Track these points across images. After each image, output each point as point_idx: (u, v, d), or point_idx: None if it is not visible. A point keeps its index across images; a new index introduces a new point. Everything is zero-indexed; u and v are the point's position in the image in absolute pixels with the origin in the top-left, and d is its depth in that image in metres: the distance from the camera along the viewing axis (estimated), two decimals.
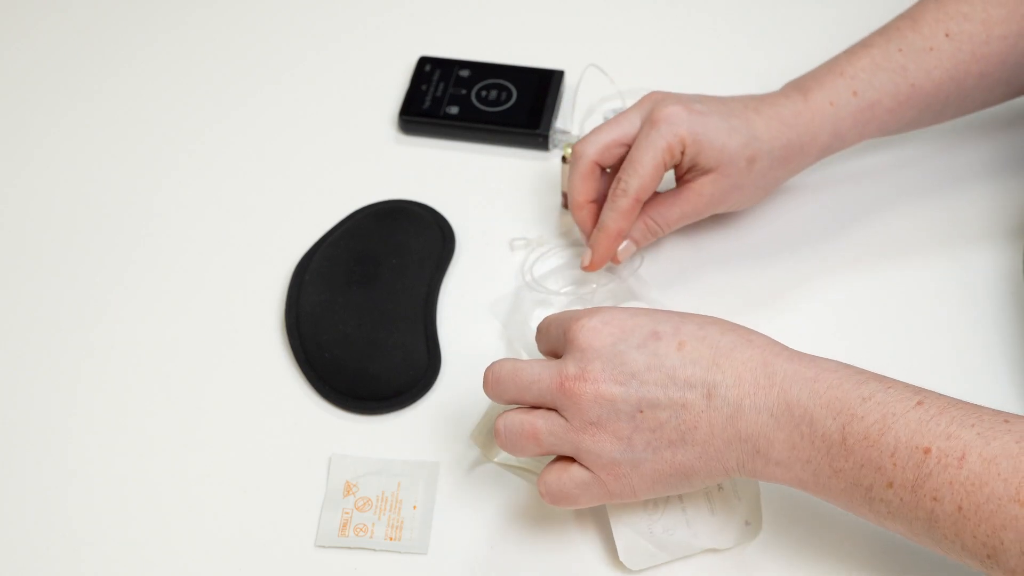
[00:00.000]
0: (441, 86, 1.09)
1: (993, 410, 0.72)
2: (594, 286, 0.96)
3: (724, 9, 1.16)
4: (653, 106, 0.92)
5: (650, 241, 0.95)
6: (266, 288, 0.98)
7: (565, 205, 1.02)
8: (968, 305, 0.94)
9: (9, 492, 0.89)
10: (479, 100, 1.08)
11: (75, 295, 0.99)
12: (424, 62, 1.11)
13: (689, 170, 0.92)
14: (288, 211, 1.04)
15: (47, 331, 0.97)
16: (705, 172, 0.91)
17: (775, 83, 0.97)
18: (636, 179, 0.91)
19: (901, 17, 0.95)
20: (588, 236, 0.95)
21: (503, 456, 0.87)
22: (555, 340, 0.80)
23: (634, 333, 0.76)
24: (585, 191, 0.94)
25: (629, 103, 1.08)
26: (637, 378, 0.75)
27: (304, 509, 0.87)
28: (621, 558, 0.81)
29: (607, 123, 0.94)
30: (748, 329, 0.77)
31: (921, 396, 0.72)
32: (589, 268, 0.94)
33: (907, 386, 0.73)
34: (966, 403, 0.72)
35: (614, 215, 0.92)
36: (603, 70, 1.09)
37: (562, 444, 0.77)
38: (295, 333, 0.94)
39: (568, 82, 1.10)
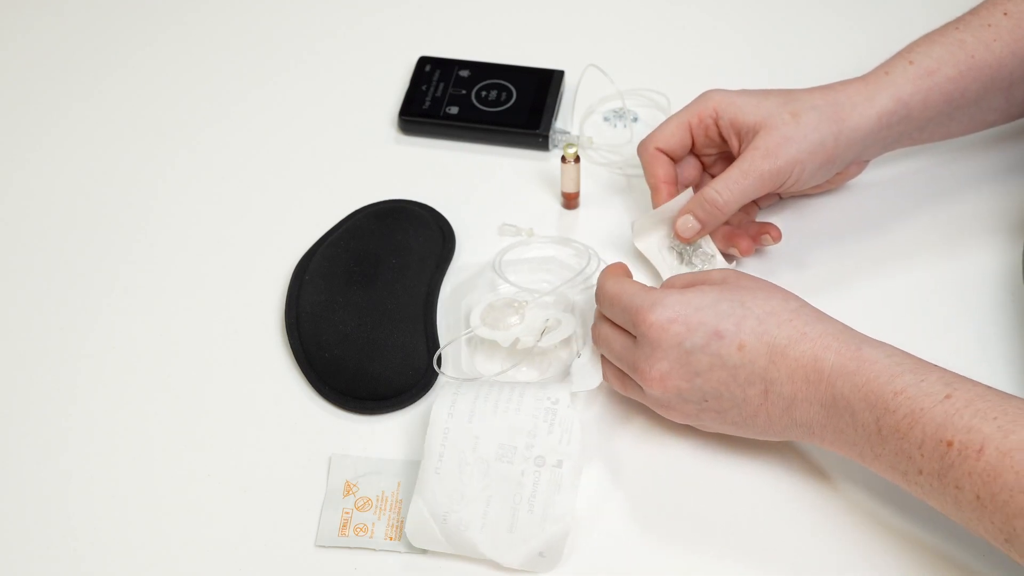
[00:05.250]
0: (441, 86, 1.09)
1: (1022, 400, 0.76)
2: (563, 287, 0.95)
3: (724, 9, 1.16)
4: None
5: (715, 217, 0.93)
6: (266, 288, 0.98)
7: (565, 205, 1.02)
8: (967, 304, 0.94)
9: (9, 492, 0.88)
10: (479, 100, 1.08)
11: (75, 295, 0.99)
12: (424, 62, 1.11)
13: (739, 142, 0.93)
14: (288, 211, 1.04)
15: (47, 331, 0.97)
16: (753, 133, 0.92)
17: (775, 83, 0.97)
18: (657, 131, 0.95)
19: None
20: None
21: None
22: (619, 318, 0.85)
23: (698, 332, 0.82)
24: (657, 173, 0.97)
25: (629, 103, 1.09)
26: (701, 376, 0.82)
27: (304, 509, 0.87)
28: (406, 530, 0.83)
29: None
30: (805, 315, 0.82)
31: (951, 388, 0.76)
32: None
33: (942, 376, 0.77)
34: (998, 394, 0.76)
35: (644, 169, 0.96)
36: (603, 70, 1.09)
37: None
38: (295, 333, 0.94)
39: (568, 82, 1.10)
